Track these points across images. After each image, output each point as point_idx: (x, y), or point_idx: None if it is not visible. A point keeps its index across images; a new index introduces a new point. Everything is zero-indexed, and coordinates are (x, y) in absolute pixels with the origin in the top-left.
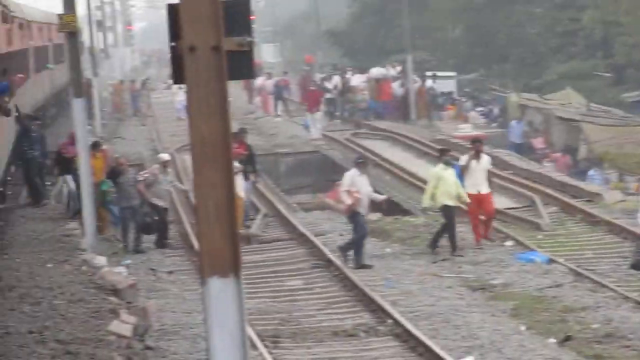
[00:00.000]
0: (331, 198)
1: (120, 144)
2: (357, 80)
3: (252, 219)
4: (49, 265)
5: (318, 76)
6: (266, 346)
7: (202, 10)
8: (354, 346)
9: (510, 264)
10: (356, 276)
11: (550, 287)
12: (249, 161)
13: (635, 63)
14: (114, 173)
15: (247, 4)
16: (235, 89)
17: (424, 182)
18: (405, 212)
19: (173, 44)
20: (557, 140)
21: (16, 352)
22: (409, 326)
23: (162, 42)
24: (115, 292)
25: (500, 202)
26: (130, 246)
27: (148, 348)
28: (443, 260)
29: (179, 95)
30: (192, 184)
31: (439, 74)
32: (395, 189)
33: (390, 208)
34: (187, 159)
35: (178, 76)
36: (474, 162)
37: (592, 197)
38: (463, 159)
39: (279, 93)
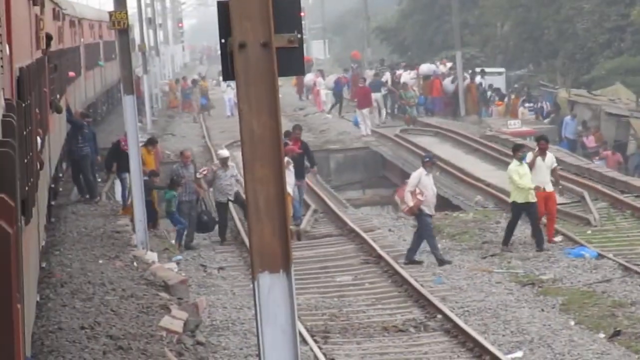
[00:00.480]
0: (399, 195)
1: (171, 141)
2: (406, 76)
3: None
4: (100, 262)
5: (368, 73)
6: (316, 341)
7: (251, 7)
8: (403, 342)
9: (560, 259)
10: (406, 272)
11: (599, 282)
12: (307, 157)
13: None
14: (175, 183)
15: (297, 0)
16: (285, 86)
17: (474, 178)
18: (455, 208)
19: (223, 41)
20: (606, 136)
21: (68, 347)
22: (459, 321)
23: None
24: (166, 288)
25: None
26: (184, 241)
27: (199, 343)
28: (492, 255)
29: (228, 92)
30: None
31: (488, 70)
32: (444, 185)
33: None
34: (237, 155)
35: (228, 73)
36: (539, 160)
37: None
38: (528, 157)
39: (339, 91)
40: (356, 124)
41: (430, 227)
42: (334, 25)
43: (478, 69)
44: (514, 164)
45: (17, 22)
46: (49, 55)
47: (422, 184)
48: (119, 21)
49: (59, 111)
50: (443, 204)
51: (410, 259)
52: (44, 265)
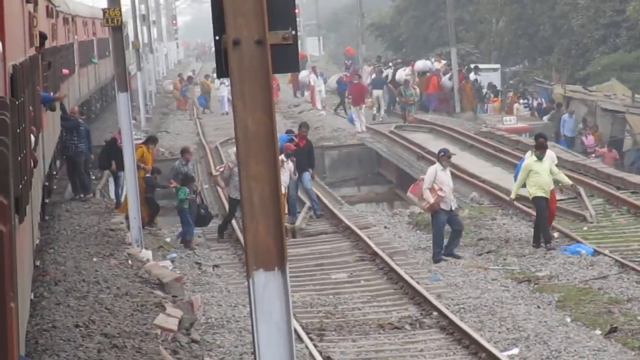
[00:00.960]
0: (413, 193)
1: (165, 138)
2: (401, 73)
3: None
4: (94, 260)
5: (366, 69)
6: (312, 339)
7: (246, 4)
8: (399, 339)
9: (556, 256)
10: (402, 269)
11: (595, 278)
12: (308, 158)
13: None
14: (188, 179)
15: None
16: (280, 83)
17: (469, 174)
18: None
19: (217, 37)
20: (602, 132)
21: (63, 346)
22: (455, 318)
23: (205, 36)
24: (161, 285)
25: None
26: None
27: (194, 341)
28: (488, 252)
29: (222, 89)
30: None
31: (483, 66)
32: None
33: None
34: (232, 152)
35: (222, 70)
36: None
37: (638, 189)
38: (528, 154)
39: (343, 90)
40: (351, 120)
41: (442, 225)
42: (328, 21)
43: (472, 66)
44: (531, 159)
45: (10, 20)
46: (42, 53)
47: (439, 179)
48: (112, 18)
49: (52, 109)
50: None
51: (450, 253)
52: (38, 263)
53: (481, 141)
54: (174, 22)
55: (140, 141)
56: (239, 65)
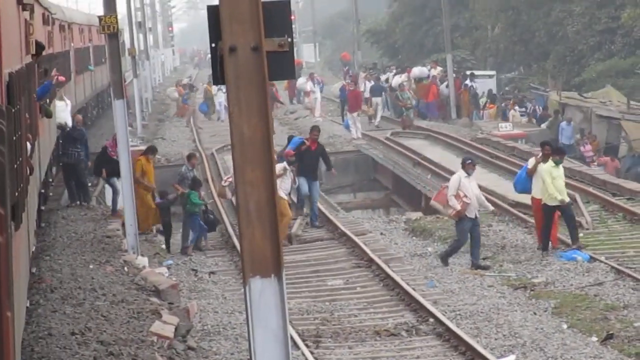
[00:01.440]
0: (437, 200)
1: (161, 145)
2: (397, 80)
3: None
4: (90, 267)
5: (362, 75)
6: (308, 346)
7: (242, 11)
8: (395, 345)
9: (552, 263)
10: (398, 275)
11: (591, 285)
12: (324, 159)
13: None
14: (196, 183)
15: (287, 4)
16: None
17: None
18: None
19: (213, 44)
20: (597, 138)
21: (58, 353)
22: (451, 325)
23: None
24: (157, 292)
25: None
26: (191, 246)
27: (190, 349)
28: (484, 259)
29: (219, 95)
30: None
31: (479, 73)
32: (435, 188)
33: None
34: (227, 159)
35: (218, 77)
36: (541, 166)
37: (633, 195)
38: (530, 162)
39: (345, 98)
40: (347, 127)
41: (465, 233)
42: (324, 28)
43: (468, 72)
44: (549, 164)
45: (6, 27)
46: (39, 60)
47: (463, 187)
48: (108, 25)
49: (48, 116)
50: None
51: (477, 265)
52: (34, 270)
53: (477, 147)
54: (170, 29)
55: (137, 148)
56: (235, 72)
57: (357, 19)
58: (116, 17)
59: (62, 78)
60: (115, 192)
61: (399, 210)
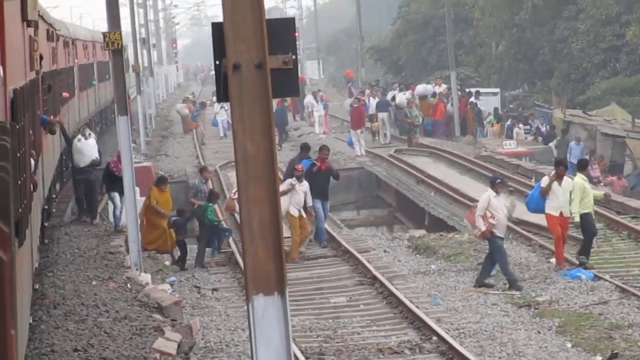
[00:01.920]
0: (468, 219)
1: (165, 161)
2: (401, 97)
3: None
4: (93, 283)
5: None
6: None
7: (246, 28)
8: None
9: (556, 281)
10: (401, 293)
11: (596, 304)
12: (332, 175)
13: None
14: (213, 196)
15: (291, 21)
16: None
17: (469, 198)
18: (450, 229)
19: (217, 61)
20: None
21: None
22: (454, 343)
23: (205, 59)
24: (160, 309)
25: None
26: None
27: None
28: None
29: (221, 113)
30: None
31: (483, 90)
32: (439, 205)
33: (435, 224)
34: (231, 175)
35: (222, 94)
36: (555, 185)
37: (638, 214)
38: (544, 181)
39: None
40: (350, 144)
41: (502, 250)
42: (328, 45)
43: (473, 90)
44: (579, 177)
45: (10, 44)
46: (43, 76)
47: (492, 207)
48: (112, 42)
49: (52, 132)
50: (438, 224)
51: (481, 283)
52: (37, 286)
53: (481, 165)
54: (174, 45)
55: (140, 164)
56: (239, 89)
57: (360, 36)
58: (120, 34)
59: (66, 94)
60: (115, 207)
61: (403, 228)
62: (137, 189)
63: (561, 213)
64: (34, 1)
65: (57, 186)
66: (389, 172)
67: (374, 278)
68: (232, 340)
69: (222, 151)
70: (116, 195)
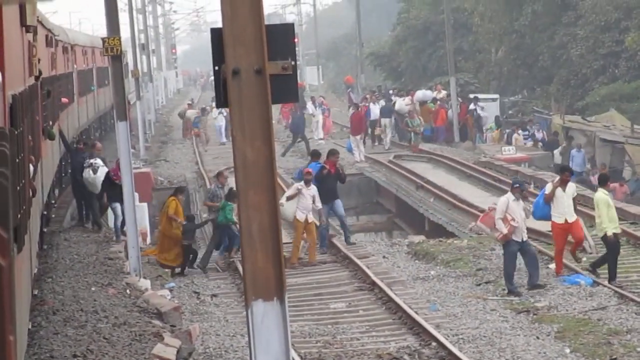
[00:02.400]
0: (483, 222)
1: (164, 167)
2: (400, 103)
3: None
4: (93, 289)
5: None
6: None
7: (245, 34)
8: None
9: (555, 287)
10: (400, 299)
11: (594, 309)
12: (340, 179)
13: None
14: (232, 195)
15: (291, 27)
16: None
17: (468, 204)
18: (450, 235)
19: (216, 67)
20: (600, 162)
21: None
22: (453, 349)
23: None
24: (159, 315)
25: (544, 224)
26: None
27: None
28: (487, 282)
29: (220, 119)
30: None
31: (482, 96)
32: (438, 211)
33: (435, 230)
34: (230, 181)
35: (221, 99)
36: (559, 191)
37: (637, 219)
38: (548, 187)
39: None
40: (350, 150)
41: (514, 257)
42: (327, 51)
43: (472, 96)
44: (602, 192)
45: (9, 49)
46: (42, 81)
47: (511, 210)
48: (112, 47)
49: (51, 138)
50: (437, 230)
51: (536, 285)
52: (36, 292)
53: (480, 171)
54: (173, 51)
55: (139, 170)
56: (238, 95)
57: (360, 42)
58: (119, 39)
59: (65, 100)
60: (116, 218)
61: (402, 234)
62: (137, 195)
63: (566, 220)
64: (33, 6)
65: (56, 192)
66: (388, 178)
67: (373, 284)
68: (231, 346)
69: (221, 157)
70: (117, 205)
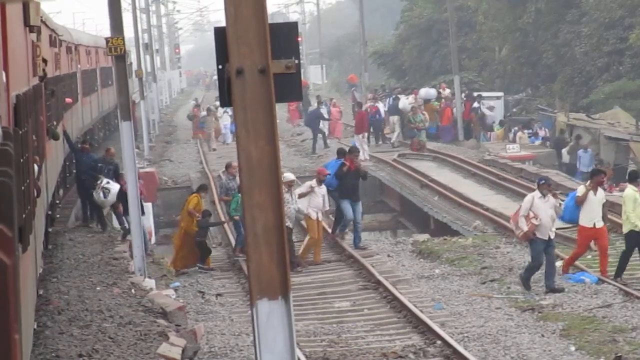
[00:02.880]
0: (513, 220)
1: (168, 167)
2: (404, 101)
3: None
4: (98, 288)
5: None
6: None
7: (249, 33)
8: None
9: (560, 285)
10: (405, 297)
11: (599, 307)
12: (360, 176)
13: None
14: None
15: (294, 26)
16: (283, 110)
17: (473, 202)
18: (454, 233)
19: (220, 66)
20: (605, 159)
21: None
22: (459, 347)
23: (208, 65)
24: (164, 314)
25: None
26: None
27: None
28: (492, 281)
29: (224, 118)
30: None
31: (486, 94)
32: (443, 210)
33: (439, 229)
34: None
35: (225, 99)
36: (591, 194)
37: None
38: (580, 190)
39: (375, 121)
40: None
41: (541, 256)
42: (331, 50)
43: (475, 94)
44: (630, 189)
45: (13, 49)
46: (45, 81)
47: (536, 207)
48: (115, 47)
49: (55, 138)
50: (442, 228)
51: (552, 288)
52: (41, 292)
53: (484, 169)
54: (177, 50)
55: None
56: (242, 94)
57: (364, 40)
58: (123, 39)
59: (69, 100)
60: (118, 215)
61: (406, 232)
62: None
63: (594, 224)
64: (37, 6)
65: (61, 192)
66: (392, 176)
67: (378, 282)
68: (236, 345)
69: (225, 156)
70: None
